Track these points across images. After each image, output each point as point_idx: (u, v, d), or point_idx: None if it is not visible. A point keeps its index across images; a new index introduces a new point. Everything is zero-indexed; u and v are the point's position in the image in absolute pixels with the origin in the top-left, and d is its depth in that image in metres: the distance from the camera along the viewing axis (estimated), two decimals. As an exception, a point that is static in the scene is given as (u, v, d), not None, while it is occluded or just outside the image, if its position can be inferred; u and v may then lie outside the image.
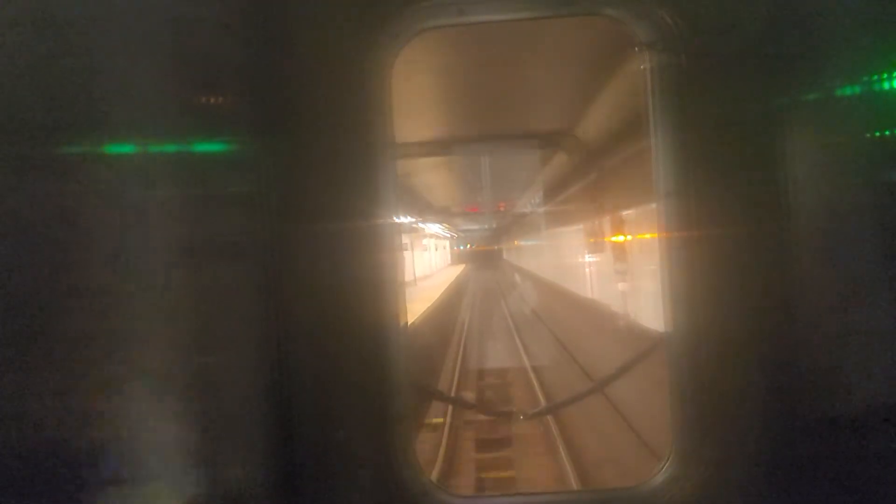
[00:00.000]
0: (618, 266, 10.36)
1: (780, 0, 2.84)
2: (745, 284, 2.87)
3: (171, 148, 2.73)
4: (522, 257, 37.90)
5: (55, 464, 2.51)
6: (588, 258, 13.65)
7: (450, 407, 11.40)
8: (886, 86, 2.78)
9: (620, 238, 10.22)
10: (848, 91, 2.87)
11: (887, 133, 2.81)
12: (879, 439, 2.77)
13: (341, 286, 2.95)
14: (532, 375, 14.99)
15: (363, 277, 2.96)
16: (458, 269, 45.18)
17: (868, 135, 2.84)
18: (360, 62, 2.93)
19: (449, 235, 44.27)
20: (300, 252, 2.94)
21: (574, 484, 8.36)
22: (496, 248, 46.62)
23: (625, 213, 10.06)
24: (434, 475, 8.79)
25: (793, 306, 2.83)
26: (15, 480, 2.47)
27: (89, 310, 2.57)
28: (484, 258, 47.01)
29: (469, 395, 13.81)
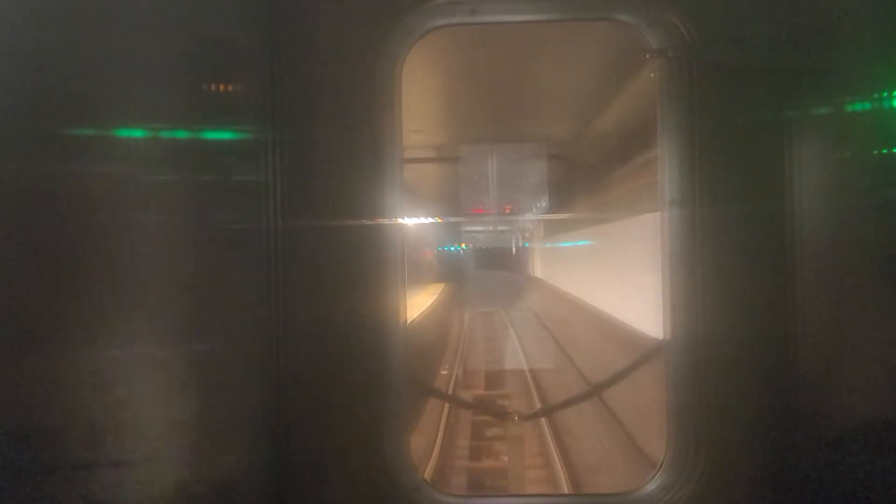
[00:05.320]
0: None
1: (792, 13, 2.85)
2: (746, 295, 2.87)
3: (181, 134, 2.75)
4: (572, 272, 13.74)
5: (53, 446, 2.52)
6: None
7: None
8: (896, 102, 2.78)
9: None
10: (857, 106, 2.87)
11: (895, 150, 2.81)
12: (874, 453, 2.76)
13: (342, 281, 2.96)
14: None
15: (365, 273, 2.97)
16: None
17: (875, 149, 2.84)
18: (371, 58, 2.94)
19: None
20: (303, 245, 2.95)
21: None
22: (514, 249, 23.86)
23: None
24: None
25: (794, 318, 2.83)
26: (14, 462, 2.48)
27: (92, 294, 2.58)
28: (493, 264, 23.23)
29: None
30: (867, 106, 2.84)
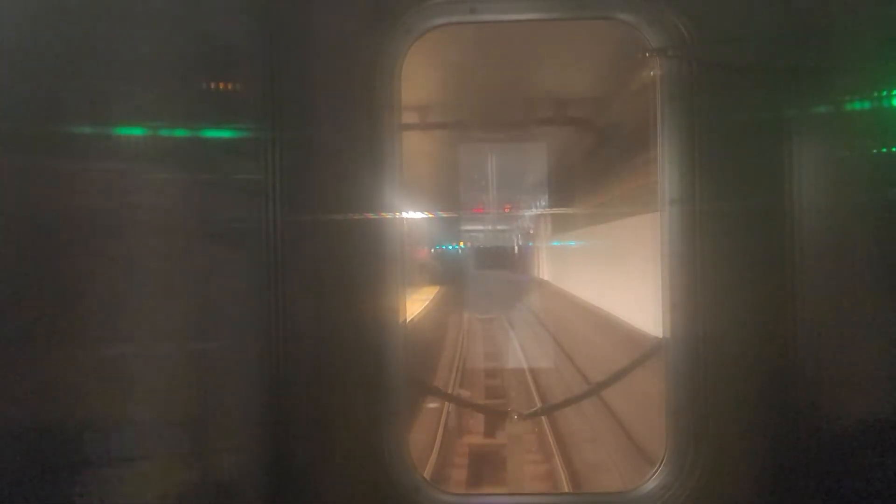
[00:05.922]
0: None
1: (792, 13, 2.85)
2: (745, 294, 2.87)
3: (181, 133, 2.75)
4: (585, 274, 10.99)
5: (52, 446, 2.52)
6: None
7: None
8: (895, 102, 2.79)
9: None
10: (857, 105, 2.88)
11: (894, 149, 2.82)
12: (873, 452, 2.77)
13: (342, 279, 2.96)
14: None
15: (364, 272, 2.97)
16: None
17: (875, 148, 2.85)
18: (371, 56, 2.94)
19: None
20: (303, 243, 2.95)
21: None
22: (514, 248, 21.66)
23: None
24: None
25: (793, 317, 2.84)
26: (12, 462, 2.49)
27: (91, 292, 2.58)
28: (494, 264, 20.83)
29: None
30: (867, 105, 2.85)
